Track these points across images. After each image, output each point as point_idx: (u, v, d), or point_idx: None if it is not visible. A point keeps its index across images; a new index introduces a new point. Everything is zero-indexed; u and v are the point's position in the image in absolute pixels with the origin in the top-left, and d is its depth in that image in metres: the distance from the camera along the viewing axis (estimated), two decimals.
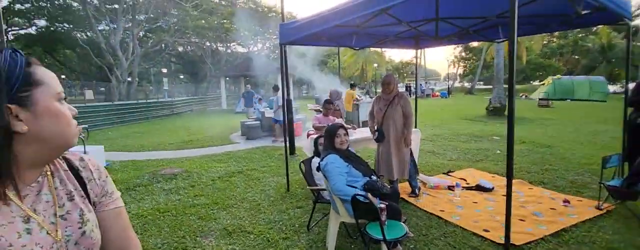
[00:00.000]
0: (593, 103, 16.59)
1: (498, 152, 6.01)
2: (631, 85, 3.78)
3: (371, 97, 10.48)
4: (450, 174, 4.76)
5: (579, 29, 31.77)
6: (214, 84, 30.96)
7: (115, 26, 22.84)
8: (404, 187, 4.11)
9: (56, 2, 24.04)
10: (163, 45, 28.43)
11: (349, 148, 2.68)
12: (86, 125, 9.76)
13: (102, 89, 21.92)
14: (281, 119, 7.43)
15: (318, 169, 2.59)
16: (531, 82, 33.52)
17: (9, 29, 25.80)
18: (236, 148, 7.39)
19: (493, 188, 4.02)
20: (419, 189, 4.01)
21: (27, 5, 24.51)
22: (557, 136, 7.46)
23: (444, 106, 17.69)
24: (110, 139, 9.73)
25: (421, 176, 4.47)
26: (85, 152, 4.67)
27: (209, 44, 33.00)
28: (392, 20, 3.40)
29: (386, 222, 2.24)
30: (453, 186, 4.06)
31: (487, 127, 9.34)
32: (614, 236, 2.79)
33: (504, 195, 3.82)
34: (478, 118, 11.43)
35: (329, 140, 2.57)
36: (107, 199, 0.79)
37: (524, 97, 23.17)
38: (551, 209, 3.40)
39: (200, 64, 32.75)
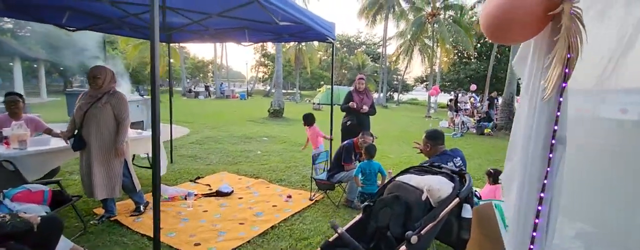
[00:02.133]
0: None
1: (258, 153, 6.28)
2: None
3: (141, 95, 9.01)
4: (197, 181, 4.41)
5: (345, 49, 40.70)
6: None
7: None
8: (128, 205, 3.39)
9: None
10: None
11: None
12: None
13: None
14: None
15: None
16: (318, 89, 40.24)
17: None
18: None
19: (232, 192, 3.94)
20: (147, 204, 3.40)
21: None
22: None
23: (238, 107, 18.04)
24: None
25: (162, 187, 3.89)
26: None
27: None
28: None
29: None
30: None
31: (263, 128, 9.95)
32: (310, 225, 3.16)
33: (240, 197, 3.84)
34: (261, 119, 12.11)
35: None
36: None
37: (308, 101, 27.17)
38: (273, 206, 3.59)
39: None
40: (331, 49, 4.71)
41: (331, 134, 4.46)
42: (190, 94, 27.19)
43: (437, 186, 1.43)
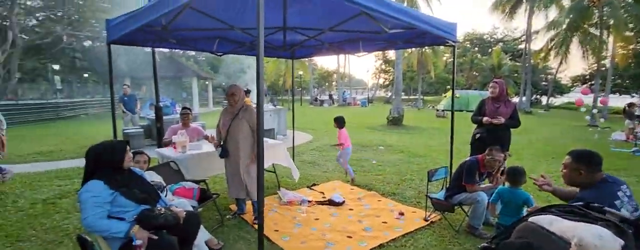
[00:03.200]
0: None
1: (374, 162, 6.18)
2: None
3: (274, 105, 10.23)
4: (312, 187, 4.65)
5: (476, 49, 36.43)
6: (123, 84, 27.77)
7: None
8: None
9: None
10: (61, 38, 24.50)
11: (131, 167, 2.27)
12: None
13: None
14: None
15: None
16: (443, 94, 37.45)
17: None
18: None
19: (343, 202, 3.97)
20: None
21: None
22: (434, 146, 8.08)
23: (357, 114, 18.42)
24: None
25: (282, 190, 4.27)
26: None
27: None
28: (220, 24, 3.11)
29: None
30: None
31: (380, 136, 9.79)
32: None
33: (350, 209, 3.82)
34: (379, 127, 12.00)
35: (94, 163, 2.10)
36: None
37: (431, 107, 25.55)
38: (383, 222, 3.43)
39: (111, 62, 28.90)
40: (458, 51, 4.20)
41: (451, 145, 3.97)
42: (316, 103, 29.50)
43: (595, 241, 1.01)
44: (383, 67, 36.38)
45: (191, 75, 22.36)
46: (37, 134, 10.77)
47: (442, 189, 3.71)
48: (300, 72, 28.23)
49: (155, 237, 2.01)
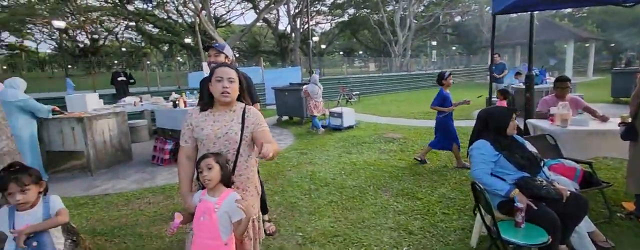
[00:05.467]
0: None
1: None
2: None
3: None
4: None
5: None
6: (487, 54, 28.37)
7: (396, 7, 26.12)
8: None
9: None
10: (439, 17, 29.25)
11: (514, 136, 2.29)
12: (358, 92, 12.82)
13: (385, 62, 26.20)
14: None
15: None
16: None
17: (333, 19, 35.68)
18: (469, 124, 7.12)
19: None
20: None
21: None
22: None
23: None
24: (372, 103, 12.10)
25: None
26: (341, 112, 6.30)
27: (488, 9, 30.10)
28: None
29: (523, 224, 1.91)
30: None
31: None
32: None
33: None
34: None
35: (483, 124, 2.32)
36: (258, 127, 1.71)
37: None
38: None
39: (475, 34, 30.76)
40: None
41: None
42: None
43: None
44: None
45: (567, 38, 18.64)
46: (420, 97, 13.86)
47: None
48: None
49: (535, 207, 1.97)
